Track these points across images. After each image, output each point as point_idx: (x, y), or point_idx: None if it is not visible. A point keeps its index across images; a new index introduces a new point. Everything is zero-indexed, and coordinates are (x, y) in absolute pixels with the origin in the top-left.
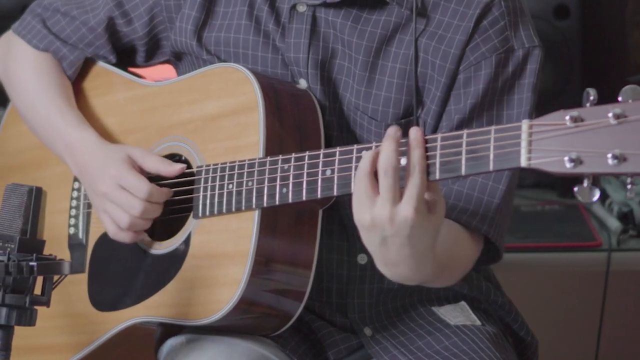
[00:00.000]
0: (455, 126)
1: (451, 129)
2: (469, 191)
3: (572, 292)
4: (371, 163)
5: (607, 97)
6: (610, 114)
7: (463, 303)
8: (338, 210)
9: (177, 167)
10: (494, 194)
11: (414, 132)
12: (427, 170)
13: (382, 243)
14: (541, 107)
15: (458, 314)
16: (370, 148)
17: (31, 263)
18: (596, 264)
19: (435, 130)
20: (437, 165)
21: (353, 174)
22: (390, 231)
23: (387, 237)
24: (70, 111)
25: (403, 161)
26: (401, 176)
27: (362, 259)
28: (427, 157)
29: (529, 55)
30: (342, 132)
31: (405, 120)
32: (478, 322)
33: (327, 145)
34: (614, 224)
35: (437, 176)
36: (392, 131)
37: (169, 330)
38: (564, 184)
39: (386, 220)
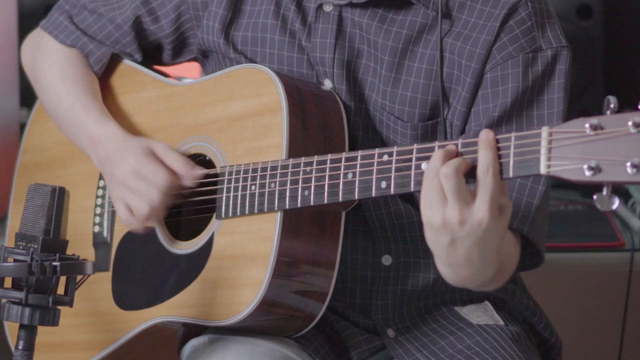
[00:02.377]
0: (485, 125)
1: (480, 128)
2: (508, 192)
3: (595, 292)
4: (442, 161)
5: (630, 97)
6: (630, 123)
7: (486, 303)
8: (363, 212)
9: (198, 172)
10: (534, 194)
11: (485, 134)
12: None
13: (450, 244)
14: None
15: (481, 314)
16: (392, 153)
17: (54, 263)
18: (619, 264)
19: (462, 132)
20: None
21: (374, 178)
22: (462, 233)
23: (457, 239)
24: (93, 105)
25: (424, 165)
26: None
27: (386, 260)
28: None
29: (557, 55)
30: (368, 133)
31: (432, 122)
32: (501, 322)
33: (352, 146)
34: (636, 224)
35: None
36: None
37: (192, 330)
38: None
39: (457, 222)
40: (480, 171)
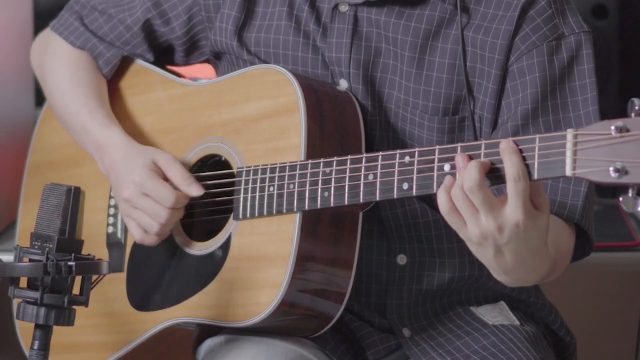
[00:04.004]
0: (520, 118)
1: (517, 122)
2: (554, 183)
3: (611, 292)
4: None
5: None
6: None
7: (502, 303)
8: (378, 211)
9: (195, 190)
10: (580, 182)
11: (506, 144)
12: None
13: (497, 253)
14: None
15: (497, 314)
16: (413, 154)
17: (70, 263)
18: (635, 264)
19: (495, 124)
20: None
21: (396, 179)
22: (503, 239)
23: (501, 245)
24: (100, 110)
25: (447, 167)
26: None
27: (401, 259)
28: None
29: (582, 41)
30: (387, 132)
31: (460, 117)
32: (517, 322)
33: (369, 146)
34: None
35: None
36: (462, 160)
37: (208, 330)
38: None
39: (496, 230)
40: (509, 177)
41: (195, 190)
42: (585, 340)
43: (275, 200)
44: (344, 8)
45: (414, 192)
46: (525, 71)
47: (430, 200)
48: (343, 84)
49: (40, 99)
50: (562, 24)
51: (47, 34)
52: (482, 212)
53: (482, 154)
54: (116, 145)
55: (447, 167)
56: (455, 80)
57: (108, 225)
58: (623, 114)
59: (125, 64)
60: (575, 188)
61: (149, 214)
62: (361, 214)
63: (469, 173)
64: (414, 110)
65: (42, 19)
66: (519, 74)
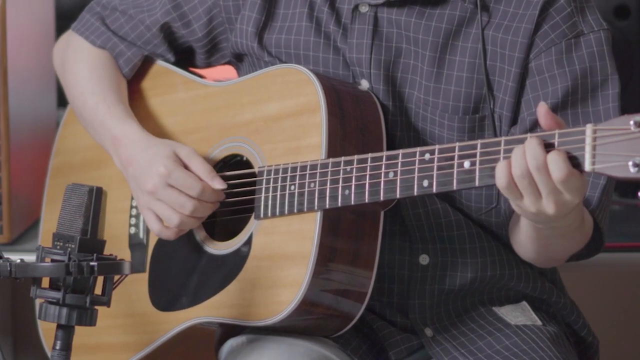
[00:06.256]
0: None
1: (536, 119)
2: None
3: (633, 292)
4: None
5: None
6: None
7: (524, 303)
8: (400, 211)
9: (218, 183)
10: (599, 175)
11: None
12: None
13: (546, 223)
14: None
15: (519, 314)
16: (433, 151)
17: (92, 263)
18: None
19: (514, 122)
20: None
21: (416, 177)
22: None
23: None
24: (117, 105)
25: (466, 164)
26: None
27: (423, 259)
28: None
29: (601, 37)
30: (407, 132)
31: (479, 116)
32: (539, 322)
33: (391, 145)
34: None
35: None
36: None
37: (230, 330)
38: (625, 184)
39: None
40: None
41: (218, 184)
42: (607, 340)
43: (296, 198)
44: (364, 9)
45: (434, 189)
46: (544, 68)
47: (451, 200)
48: (364, 84)
49: (62, 99)
50: (580, 22)
51: (69, 34)
52: (543, 194)
53: (502, 150)
54: (133, 138)
55: (466, 164)
56: (475, 79)
57: (130, 225)
58: None
59: (146, 65)
60: (594, 180)
61: (171, 205)
62: (382, 213)
63: (534, 151)
64: (433, 109)
65: (64, 20)
66: (537, 71)
